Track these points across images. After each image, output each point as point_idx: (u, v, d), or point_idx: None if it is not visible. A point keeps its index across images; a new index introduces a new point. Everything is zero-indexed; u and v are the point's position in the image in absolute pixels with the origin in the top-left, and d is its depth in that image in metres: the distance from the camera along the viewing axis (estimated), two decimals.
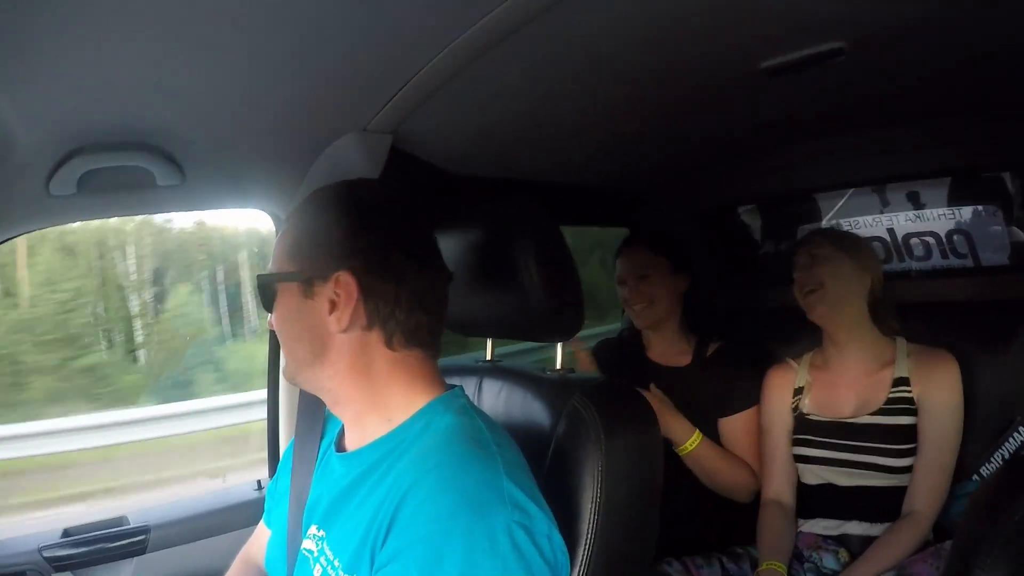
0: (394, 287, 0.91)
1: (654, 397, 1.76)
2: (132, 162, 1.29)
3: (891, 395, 1.68)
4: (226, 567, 1.24)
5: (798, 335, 1.87)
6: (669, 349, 2.01)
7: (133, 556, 1.57)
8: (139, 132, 1.24)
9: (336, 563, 0.85)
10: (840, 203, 2.33)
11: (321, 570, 0.88)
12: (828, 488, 1.71)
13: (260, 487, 1.75)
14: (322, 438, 1.09)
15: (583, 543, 0.97)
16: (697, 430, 1.80)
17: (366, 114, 1.22)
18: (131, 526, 1.59)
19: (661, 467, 1.09)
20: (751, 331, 2.16)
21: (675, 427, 1.79)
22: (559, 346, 1.16)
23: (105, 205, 1.48)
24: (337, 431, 1.05)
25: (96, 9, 0.80)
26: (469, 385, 1.21)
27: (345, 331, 0.90)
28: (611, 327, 3.12)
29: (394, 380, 0.93)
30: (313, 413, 1.11)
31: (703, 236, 2.45)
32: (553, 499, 0.87)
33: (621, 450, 1.00)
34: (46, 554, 1.50)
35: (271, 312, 0.97)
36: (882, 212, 2.23)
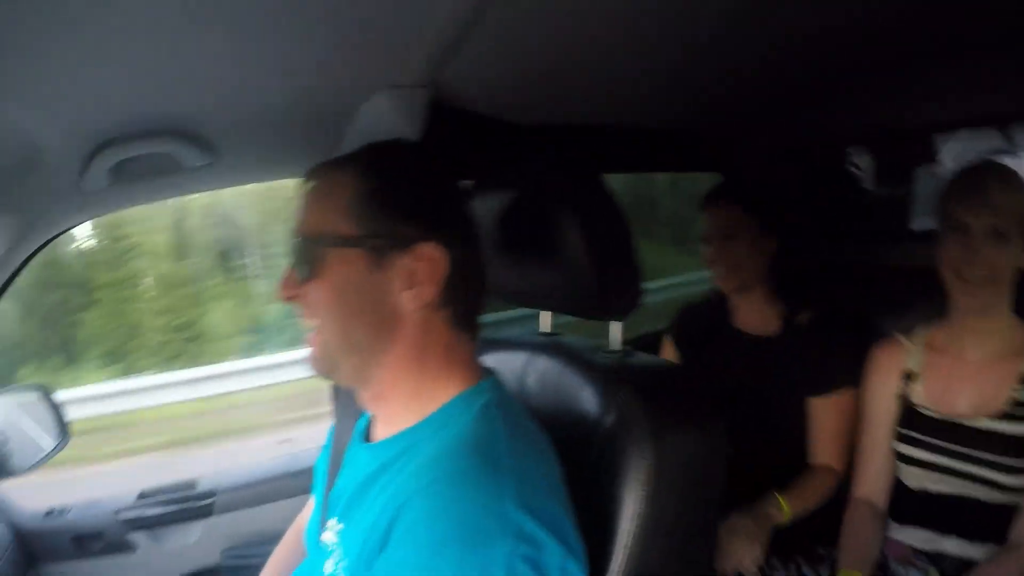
0: (472, 261, 0.85)
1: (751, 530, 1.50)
2: (161, 148, 1.27)
3: (1016, 396, 1.35)
4: (286, 531, 1.24)
5: (913, 302, 1.55)
6: (756, 316, 1.81)
7: (201, 518, 1.66)
8: (161, 118, 1.20)
9: (344, 562, 0.80)
10: (959, 144, 2.02)
11: (332, 567, 0.82)
12: (926, 494, 1.44)
13: None
14: (355, 427, 1.00)
15: (614, 565, 0.85)
16: (783, 502, 1.57)
17: (397, 67, 1.13)
18: (200, 490, 1.68)
19: (722, 478, 0.94)
20: (855, 295, 1.92)
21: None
22: (614, 324, 1.03)
23: (140, 192, 1.47)
24: (369, 416, 0.96)
25: (96, 3, 0.77)
26: (516, 362, 1.10)
27: (415, 310, 0.81)
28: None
29: (442, 366, 0.85)
30: (351, 403, 1.00)
31: (804, 181, 2.19)
32: (588, 508, 0.79)
33: (673, 455, 0.88)
34: (122, 516, 1.62)
35: (309, 279, 0.82)
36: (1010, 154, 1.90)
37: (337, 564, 0.81)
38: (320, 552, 0.87)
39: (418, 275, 0.80)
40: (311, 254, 0.82)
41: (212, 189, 1.69)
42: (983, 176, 1.34)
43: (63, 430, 1.65)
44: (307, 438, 4.27)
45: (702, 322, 1.93)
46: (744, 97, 1.75)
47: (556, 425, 0.88)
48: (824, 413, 1.66)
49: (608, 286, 0.95)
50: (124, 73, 1.02)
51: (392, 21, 0.98)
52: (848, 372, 1.63)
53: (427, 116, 1.23)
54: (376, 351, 0.82)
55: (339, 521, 0.86)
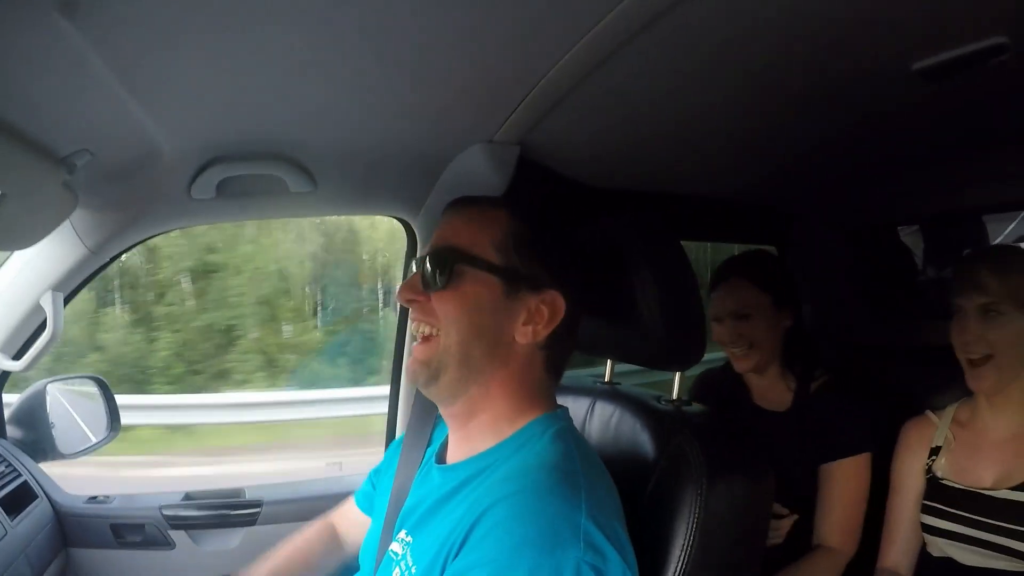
0: (577, 316, 0.94)
1: None
2: (266, 171, 1.37)
3: None
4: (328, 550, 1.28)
5: (955, 379, 1.54)
6: (771, 391, 1.77)
7: (244, 526, 1.67)
8: (273, 143, 1.31)
9: (413, 569, 0.85)
10: (1011, 226, 2.09)
11: (400, 574, 0.88)
12: (951, 564, 1.47)
13: None
14: (429, 444, 1.09)
15: None
16: None
17: (492, 124, 1.23)
18: (246, 499, 1.70)
19: (766, 520, 1.04)
20: (899, 373, 1.92)
21: None
22: (676, 375, 1.12)
23: (241, 208, 1.57)
24: (441, 441, 1.04)
25: (232, 30, 0.86)
26: (582, 406, 1.19)
27: (525, 344, 0.90)
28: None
29: (528, 398, 0.93)
30: (426, 416, 1.11)
31: (855, 258, 2.21)
32: (642, 541, 0.84)
33: (722, 498, 0.95)
34: (166, 512, 1.64)
35: (441, 287, 0.91)
36: None
37: (406, 571, 0.87)
38: (386, 561, 0.94)
39: (539, 315, 0.90)
40: (452, 267, 0.90)
41: (309, 215, 1.86)
42: (975, 262, 1.47)
43: (114, 423, 1.72)
44: (355, 464, 4.29)
45: (720, 392, 1.87)
46: (808, 174, 1.80)
47: (615, 463, 0.93)
48: (834, 480, 1.61)
49: (675, 340, 1.04)
50: (247, 98, 1.11)
51: (494, 82, 1.06)
52: (860, 438, 1.61)
53: (515, 172, 1.32)
54: (482, 370, 0.90)
55: (409, 534, 0.93)
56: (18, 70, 0.92)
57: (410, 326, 1.61)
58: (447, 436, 1.02)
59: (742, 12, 0.89)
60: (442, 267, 0.91)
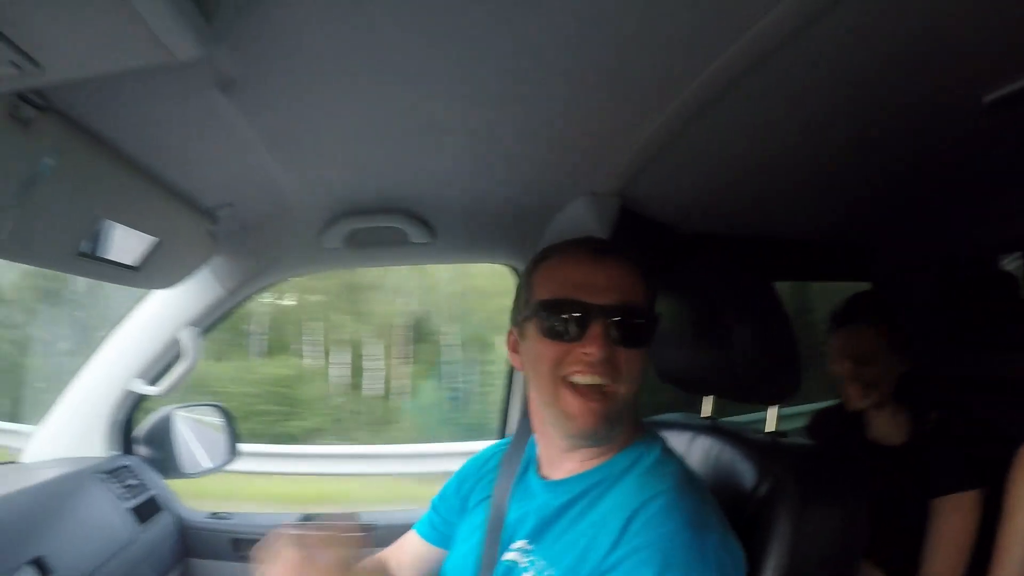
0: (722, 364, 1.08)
1: None
2: (390, 223, 1.53)
3: None
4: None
5: None
6: (886, 427, 1.78)
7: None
8: (396, 199, 1.45)
9: (551, 571, 0.91)
10: None
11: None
12: None
13: None
14: (524, 459, 1.15)
15: None
16: None
17: (596, 177, 1.32)
18: (360, 522, 1.74)
19: (858, 552, 1.05)
20: (1004, 406, 1.85)
21: None
22: (772, 409, 1.20)
23: (367, 257, 1.73)
24: (534, 456, 1.10)
25: (363, 101, 0.97)
26: (683, 440, 1.24)
27: None
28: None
29: (633, 422, 1.01)
30: (523, 441, 1.17)
31: (950, 289, 2.16)
32: None
33: (815, 528, 0.99)
34: (284, 531, 1.71)
35: (636, 348, 0.94)
36: None
37: (539, 573, 0.93)
38: (505, 570, 0.98)
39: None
40: (643, 326, 0.95)
41: (428, 263, 1.98)
42: None
43: (233, 449, 1.84)
44: None
45: (836, 428, 1.91)
46: (889, 207, 1.79)
47: (714, 492, 0.96)
48: (943, 515, 1.59)
49: (770, 376, 1.08)
50: (374, 158, 1.22)
51: (599, 138, 1.15)
52: (971, 474, 1.59)
53: (617, 222, 1.40)
54: (632, 404, 0.97)
55: (530, 543, 0.98)
56: (178, 135, 1.05)
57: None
58: (536, 453, 1.09)
59: (826, 60, 0.92)
60: (645, 329, 0.95)
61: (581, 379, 0.92)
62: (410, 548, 1.29)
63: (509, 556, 0.99)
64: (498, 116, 1.03)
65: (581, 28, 0.82)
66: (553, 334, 0.94)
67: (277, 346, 8.48)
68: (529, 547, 0.97)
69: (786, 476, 1.01)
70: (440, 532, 1.24)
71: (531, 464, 1.10)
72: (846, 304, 1.80)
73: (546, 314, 0.94)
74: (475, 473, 1.21)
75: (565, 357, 0.93)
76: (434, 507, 1.27)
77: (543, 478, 1.04)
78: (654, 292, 0.99)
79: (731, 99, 0.98)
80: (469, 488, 1.20)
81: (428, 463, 5.85)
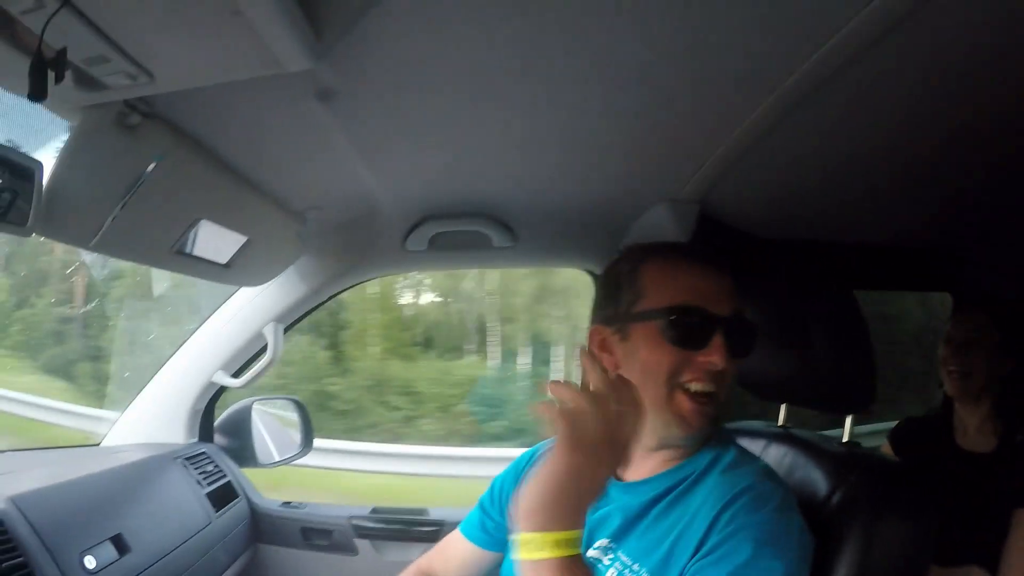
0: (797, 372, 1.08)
1: None
2: (473, 227, 1.55)
3: None
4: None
5: None
6: (977, 433, 1.80)
7: (425, 542, 1.74)
8: (479, 204, 1.48)
9: (636, 566, 0.93)
10: None
11: (617, 573, 0.94)
12: None
13: None
14: None
15: None
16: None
17: (677, 184, 1.31)
18: (429, 518, 1.80)
19: (927, 566, 1.04)
20: None
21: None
22: (848, 419, 1.17)
23: (449, 260, 1.76)
24: None
25: (440, 114, 0.99)
26: (756, 447, 1.24)
27: None
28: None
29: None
30: None
31: None
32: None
33: (887, 541, 0.99)
34: (354, 522, 1.78)
35: (743, 357, 0.96)
36: None
37: (625, 570, 0.94)
38: (591, 566, 0.96)
39: None
40: (753, 337, 0.97)
41: (508, 267, 1.96)
42: None
43: (308, 441, 1.89)
44: None
45: (923, 436, 1.92)
46: (978, 214, 1.71)
47: None
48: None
49: (847, 385, 1.10)
50: (460, 164, 1.23)
51: (680, 144, 1.14)
52: None
53: (696, 228, 1.39)
54: None
55: (611, 541, 0.99)
56: (275, 141, 1.07)
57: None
58: None
59: (914, 60, 0.89)
60: (754, 340, 0.97)
61: (698, 387, 0.93)
62: (456, 552, 1.26)
63: (590, 554, 1.00)
64: (583, 123, 1.04)
65: (666, 36, 0.81)
66: (675, 340, 0.93)
67: (453, 347, 8.72)
68: (611, 545, 0.99)
69: (860, 487, 1.02)
70: (490, 535, 1.21)
71: None
72: (968, 297, 1.90)
73: (668, 320, 0.93)
74: (515, 473, 1.21)
75: (684, 364, 0.93)
76: (482, 507, 1.24)
77: (618, 479, 1.03)
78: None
79: (815, 103, 0.97)
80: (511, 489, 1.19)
81: None
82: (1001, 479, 1.64)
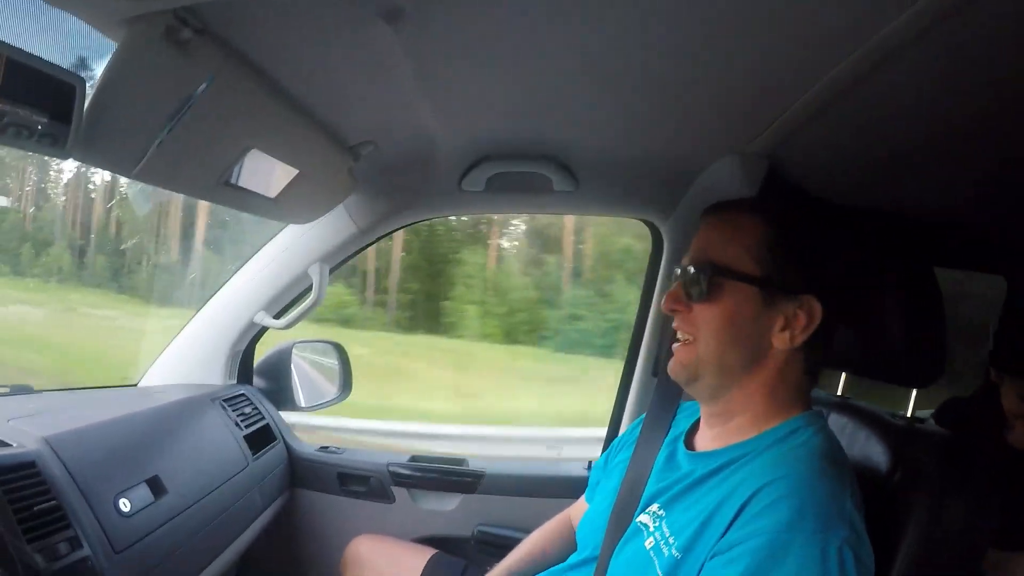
0: (840, 322, 0.98)
1: None
2: (533, 169, 1.50)
3: None
4: (536, 526, 1.39)
5: None
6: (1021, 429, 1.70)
7: (463, 492, 1.80)
8: (541, 145, 1.44)
9: (671, 539, 0.92)
10: None
11: (654, 543, 0.95)
12: None
13: (588, 466, 1.88)
14: (668, 431, 1.16)
15: None
16: None
17: (746, 137, 1.28)
18: (470, 468, 1.83)
19: (987, 543, 1.06)
20: None
21: None
22: (913, 392, 1.18)
23: (506, 202, 1.71)
24: (686, 429, 1.12)
25: (511, 44, 0.93)
26: None
27: (783, 350, 0.95)
28: None
29: (787, 398, 0.98)
30: (666, 410, 1.19)
31: None
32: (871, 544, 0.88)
33: (955, 513, 1.00)
34: (392, 469, 1.80)
35: (703, 302, 0.97)
36: None
37: (660, 541, 0.94)
38: (634, 530, 1.01)
39: (797, 321, 0.93)
40: (710, 280, 0.96)
41: (567, 213, 1.96)
42: None
43: (347, 385, 1.90)
44: (573, 450, 4.41)
45: (968, 421, 1.85)
46: None
47: None
48: None
49: (917, 359, 1.09)
50: (522, 102, 1.17)
51: (753, 96, 1.10)
52: None
53: (764, 185, 1.36)
54: (739, 375, 0.97)
55: (661, 508, 0.99)
56: (333, 66, 1.01)
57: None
58: (693, 424, 1.11)
59: (1003, 31, 0.84)
60: (701, 280, 0.96)
61: (679, 333, 1.01)
62: (580, 507, 1.33)
63: (641, 519, 1.02)
64: (653, 68, 0.99)
65: None
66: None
67: None
68: (660, 512, 0.99)
69: (925, 463, 1.03)
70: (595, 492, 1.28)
71: (681, 436, 1.12)
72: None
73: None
74: (627, 437, 1.25)
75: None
76: (595, 469, 1.33)
77: (690, 449, 1.07)
78: (775, 248, 0.96)
79: (899, 65, 0.91)
80: (617, 451, 1.25)
81: None
82: None
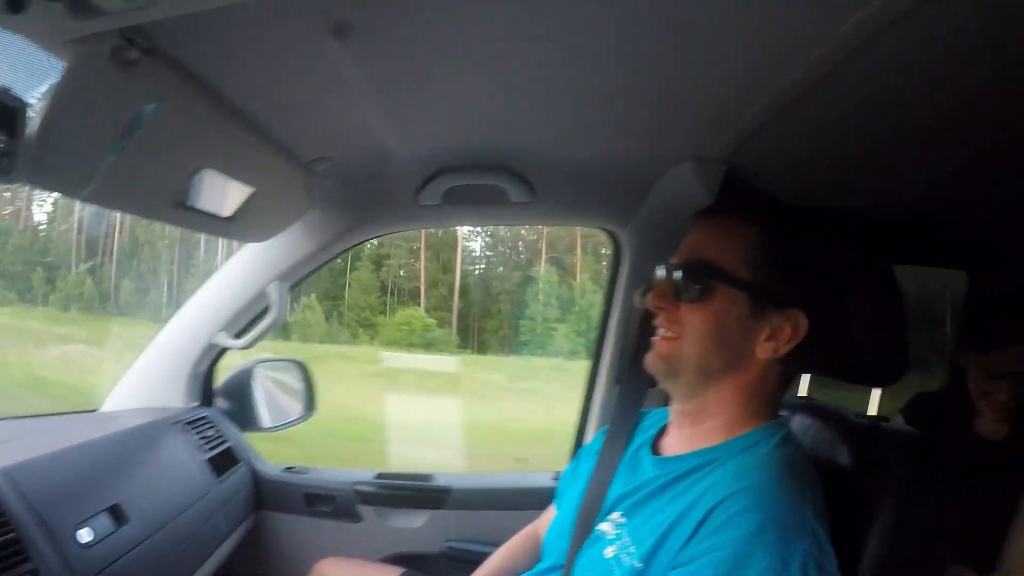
0: (819, 335, 0.97)
1: None
2: (490, 181, 1.50)
3: None
4: (506, 539, 1.38)
5: None
6: (992, 419, 1.75)
7: (430, 508, 1.80)
8: (497, 156, 1.44)
9: (632, 549, 0.92)
10: None
11: (615, 552, 0.94)
12: None
13: (556, 477, 1.86)
14: (632, 438, 1.16)
15: None
16: None
17: (703, 142, 1.29)
18: (436, 484, 1.83)
19: (954, 540, 1.08)
20: None
21: None
22: (875, 392, 1.19)
23: (464, 215, 1.72)
24: (652, 434, 1.11)
25: (463, 56, 0.94)
26: None
27: (764, 359, 0.96)
28: None
29: (760, 405, 0.98)
30: (629, 414, 1.19)
31: None
32: (834, 544, 0.88)
33: (921, 512, 1.01)
34: (357, 488, 1.80)
35: (692, 302, 0.97)
36: None
37: (621, 551, 0.93)
38: (595, 538, 1.00)
39: (781, 333, 0.95)
40: (705, 281, 0.96)
41: (526, 224, 2.03)
42: None
43: (311, 404, 1.88)
44: (541, 460, 4.46)
45: (936, 414, 1.87)
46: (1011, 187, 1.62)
47: None
48: None
49: (883, 359, 1.09)
50: (478, 114, 1.18)
51: (709, 101, 1.10)
52: None
53: (722, 189, 1.37)
54: (718, 378, 0.97)
55: (623, 516, 0.99)
56: (284, 81, 1.01)
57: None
58: (660, 429, 1.11)
59: (969, 17, 0.84)
60: (695, 280, 0.96)
61: (660, 330, 1.01)
62: (547, 519, 1.33)
63: (602, 526, 1.01)
64: (610, 74, 1.00)
65: None
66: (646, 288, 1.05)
67: None
68: (622, 520, 0.98)
69: (890, 462, 1.05)
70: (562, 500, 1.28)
71: (647, 442, 1.11)
72: (1000, 322, 1.73)
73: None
74: (593, 446, 1.25)
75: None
76: (563, 477, 1.32)
77: (656, 455, 1.06)
78: (769, 259, 0.97)
79: (854, 65, 0.93)
80: (584, 460, 1.24)
81: None
82: (1013, 466, 1.60)
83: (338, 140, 1.28)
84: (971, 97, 1.10)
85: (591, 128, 1.26)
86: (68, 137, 0.81)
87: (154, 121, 0.87)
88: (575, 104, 1.13)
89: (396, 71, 0.99)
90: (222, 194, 1.18)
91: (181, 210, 1.11)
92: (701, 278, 0.96)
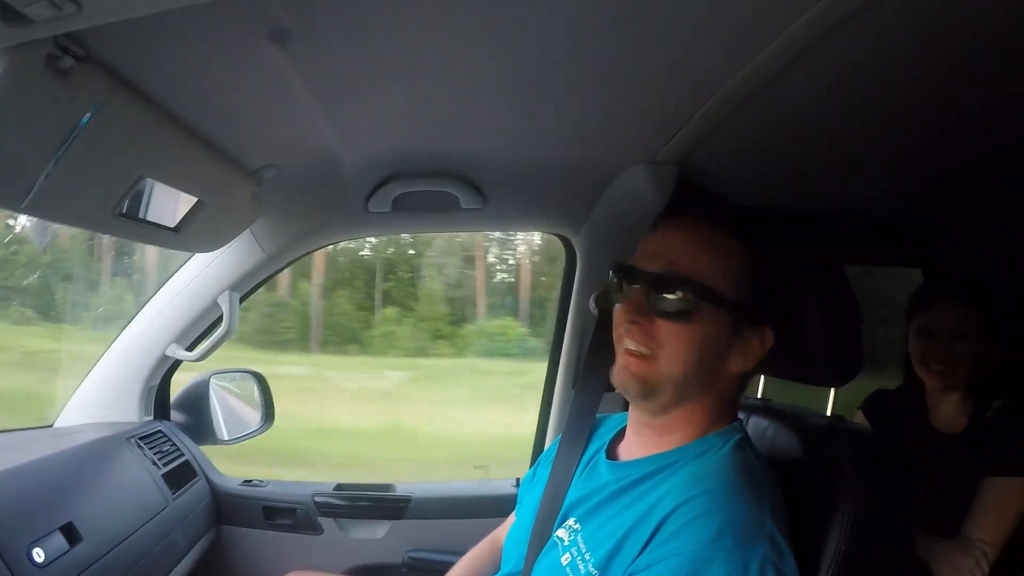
0: (778, 339, 0.97)
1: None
2: (440, 187, 1.52)
3: None
4: (468, 547, 1.36)
5: None
6: (950, 415, 1.81)
7: (391, 519, 1.80)
8: (447, 162, 1.45)
9: (587, 556, 0.91)
10: None
11: (570, 559, 0.93)
12: None
13: (517, 484, 1.86)
14: (588, 444, 1.15)
15: None
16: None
17: (655, 146, 1.29)
18: (396, 494, 1.83)
19: (915, 536, 1.10)
20: None
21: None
22: (831, 392, 1.19)
23: (415, 222, 1.74)
24: (609, 440, 1.10)
25: (405, 59, 0.94)
26: None
27: (735, 374, 0.96)
28: None
29: (723, 410, 0.98)
30: (584, 419, 1.18)
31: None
32: (795, 545, 0.88)
33: (875, 515, 1.00)
34: (317, 500, 1.79)
35: (674, 320, 0.91)
36: None
37: (577, 557, 0.93)
38: (551, 546, 1.00)
39: (751, 347, 0.94)
40: (685, 299, 0.90)
41: (477, 230, 2.02)
42: None
43: (270, 415, 1.87)
44: (501, 468, 4.45)
45: (894, 411, 1.93)
46: (963, 187, 1.72)
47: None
48: (997, 494, 1.64)
49: (837, 358, 1.09)
50: (426, 118, 1.19)
51: (659, 104, 1.11)
52: None
53: (675, 192, 1.38)
54: (693, 396, 0.95)
55: (577, 522, 0.98)
56: (225, 90, 1.01)
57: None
58: (616, 433, 1.10)
59: (907, 24, 0.88)
60: (678, 297, 0.91)
61: (628, 343, 0.95)
62: (508, 526, 1.32)
63: (558, 533, 1.00)
64: (557, 78, 1.01)
65: None
66: (609, 297, 1.01)
67: None
68: (576, 526, 0.98)
69: (846, 462, 1.03)
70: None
71: (603, 447, 1.10)
72: (941, 280, 1.87)
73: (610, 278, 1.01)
74: (552, 451, 1.24)
75: (621, 321, 0.97)
76: (523, 483, 1.31)
77: (612, 459, 1.05)
78: (751, 275, 0.94)
79: (801, 66, 0.95)
80: (543, 466, 1.23)
81: None
82: (970, 458, 1.67)
83: (285, 148, 1.28)
84: (922, 96, 1.13)
85: (541, 132, 1.26)
86: (3, 147, 0.80)
87: (92, 130, 0.86)
88: (522, 108, 1.13)
89: (339, 76, 0.99)
90: (167, 204, 1.18)
91: (124, 220, 1.10)
92: (686, 295, 0.90)
